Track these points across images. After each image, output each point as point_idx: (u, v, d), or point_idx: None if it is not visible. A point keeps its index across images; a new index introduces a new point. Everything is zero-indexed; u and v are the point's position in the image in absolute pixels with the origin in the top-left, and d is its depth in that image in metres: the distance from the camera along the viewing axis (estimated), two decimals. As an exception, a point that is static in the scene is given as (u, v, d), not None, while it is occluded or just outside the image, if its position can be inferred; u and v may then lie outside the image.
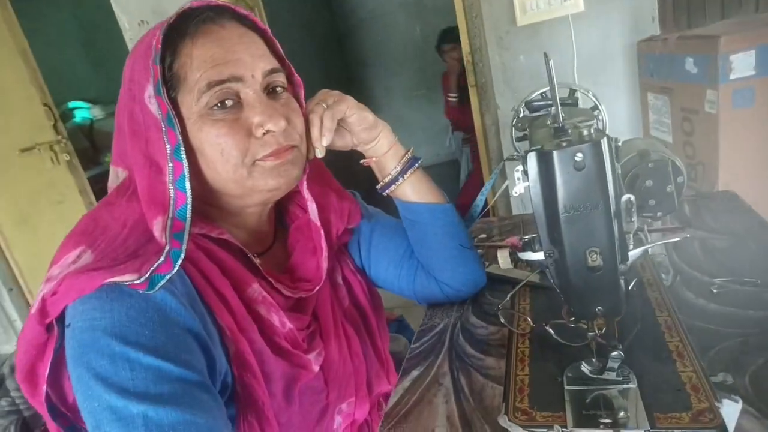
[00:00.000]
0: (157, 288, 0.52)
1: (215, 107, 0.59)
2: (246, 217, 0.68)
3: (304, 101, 0.69)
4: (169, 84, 0.59)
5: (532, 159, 0.52)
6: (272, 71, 0.63)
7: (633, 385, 0.55)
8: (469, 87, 2.36)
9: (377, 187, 0.77)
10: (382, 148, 0.74)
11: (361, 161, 0.77)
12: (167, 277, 0.53)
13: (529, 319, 0.70)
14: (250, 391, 0.60)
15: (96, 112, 3.80)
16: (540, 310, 0.74)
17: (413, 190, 0.76)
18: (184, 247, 0.55)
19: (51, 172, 2.49)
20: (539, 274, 0.80)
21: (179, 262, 0.54)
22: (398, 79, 4.86)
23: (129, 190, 0.61)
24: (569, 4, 2.02)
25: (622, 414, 0.52)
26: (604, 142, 0.49)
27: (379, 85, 4.92)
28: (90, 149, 3.59)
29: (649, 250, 0.57)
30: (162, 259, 0.53)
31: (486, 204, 0.86)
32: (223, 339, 0.59)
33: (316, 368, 0.67)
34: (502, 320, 0.72)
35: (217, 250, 0.62)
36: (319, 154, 0.68)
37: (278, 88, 0.64)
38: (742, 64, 1.47)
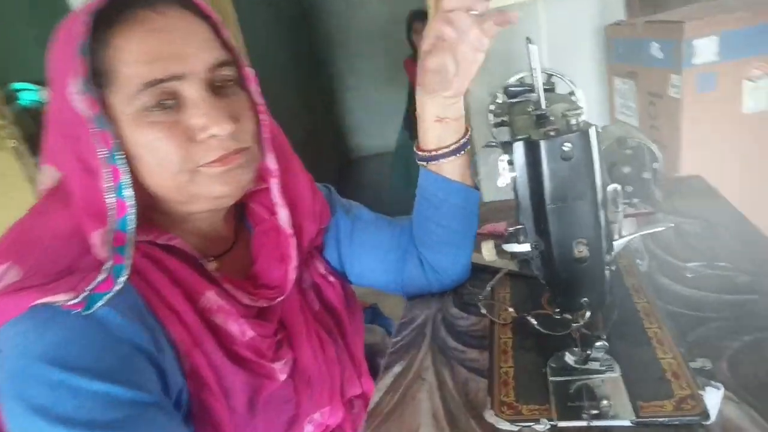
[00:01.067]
0: (95, 308, 0.48)
1: (152, 108, 0.52)
2: (196, 222, 0.62)
3: (258, 96, 0.61)
4: (98, 80, 0.51)
5: (518, 149, 0.51)
6: (219, 64, 0.55)
7: (616, 374, 0.55)
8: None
9: (420, 152, 0.71)
10: (458, 111, 0.68)
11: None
12: (107, 296, 0.48)
13: (511, 309, 0.70)
14: (207, 408, 0.55)
15: (45, 95, 3.59)
16: (520, 299, 0.73)
17: (453, 169, 0.70)
18: (128, 263, 0.50)
19: (-5, 160, 2.34)
20: (519, 262, 0.79)
21: (122, 279, 0.49)
22: (367, 62, 4.69)
23: (63, 194, 0.55)
24: (538, -13, 2.02)
25: (605, 403, 0.52)
26: (592, 131, 0.48)
27: (348, 67, 4.80)
28: (40, 134, 3.40)
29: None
30: (102, 276, 0.48)
31: None
32: (176, 354, 0.54)
33: (283, 377, 0.62)
34: (483, 311, 0.71)
35: (166, 258, 0.56)
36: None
37: (228, 83, 0.57)
38: (705, 49, 1.49)
